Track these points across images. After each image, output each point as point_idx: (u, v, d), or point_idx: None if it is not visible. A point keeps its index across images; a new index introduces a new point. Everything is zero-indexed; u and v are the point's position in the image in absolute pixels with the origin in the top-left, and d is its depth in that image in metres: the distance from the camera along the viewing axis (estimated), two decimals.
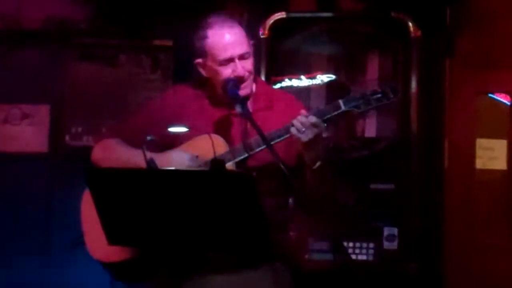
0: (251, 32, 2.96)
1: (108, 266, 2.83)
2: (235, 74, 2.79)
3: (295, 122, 2.68)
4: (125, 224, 2.49)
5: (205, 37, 2.82)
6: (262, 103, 2.91)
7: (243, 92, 2.80)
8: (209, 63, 2.85)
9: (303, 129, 2.66)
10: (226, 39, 2.80)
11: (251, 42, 2.90)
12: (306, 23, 4.32)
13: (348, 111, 2.75)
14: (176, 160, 2.76)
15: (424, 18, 4.27)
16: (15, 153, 4.79)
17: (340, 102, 2.74)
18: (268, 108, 2.90)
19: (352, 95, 2.76)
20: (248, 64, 2.82)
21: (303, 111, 2.70)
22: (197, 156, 2.76)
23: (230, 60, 2.80)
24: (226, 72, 2.81)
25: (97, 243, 2.68)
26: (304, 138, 2.67)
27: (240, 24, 2.86)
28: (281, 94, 3.14)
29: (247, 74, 2.82)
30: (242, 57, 2.80)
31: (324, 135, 2.76)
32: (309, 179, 2.79)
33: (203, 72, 2.90)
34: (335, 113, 2.74)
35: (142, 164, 2.57)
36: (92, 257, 2.84)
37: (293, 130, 2.68)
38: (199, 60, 2.88)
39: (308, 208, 2.81)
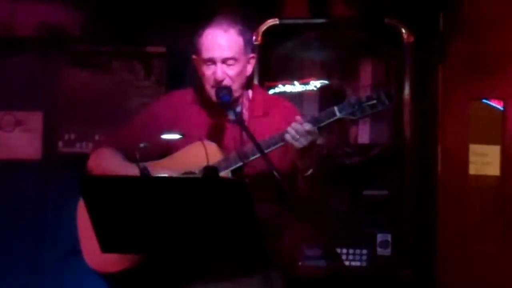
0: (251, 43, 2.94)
1: (105, 276, 2.82)
2: (214, 76, 2.78)
3: (289, 129, 2.68)
4: (119, 232, 2.49)
5: (201, 34, 2.83)
6: (259, 110, 2.91)
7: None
8: (199, 60, 2.85)
9: (297, 136, 2.66)
10: (214, 40, 2.79)
11: (251, 54, 2.88)
12: (299, 29, 4.32)
13: (343, 118, 2.75)
14: None
15: (417, 24, 4.27)
16: (8, 160, 4.77)
17: (335, 109, 2.74)
18: (265, 115, 2.90)
19: (347, 102, 2.75)
20: (231, 70, 2.79)
21: (298, 118, 2.70)
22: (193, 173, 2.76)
23: (212, 61, 2.79)
24: (208, 73, 2.81)
25: (93, 252, 2.65)
26: (298, 145, 2.67)
27: (242, 32, 2.83)
28: (278, 101, 3.10)
29: (227, 79, 2.79)
30: (225, 61, 2.79)
31: (318, 141, 2.76)
32: (300, 186, 2.79)
33: (197, 68, 2.90)
34: (330, 120, 2.74)
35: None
36: (87, 266, 2.83)
37: (287, 137, 2.68)
38: (194, 56, 2.89)
39: (300, 215, 2.81)
